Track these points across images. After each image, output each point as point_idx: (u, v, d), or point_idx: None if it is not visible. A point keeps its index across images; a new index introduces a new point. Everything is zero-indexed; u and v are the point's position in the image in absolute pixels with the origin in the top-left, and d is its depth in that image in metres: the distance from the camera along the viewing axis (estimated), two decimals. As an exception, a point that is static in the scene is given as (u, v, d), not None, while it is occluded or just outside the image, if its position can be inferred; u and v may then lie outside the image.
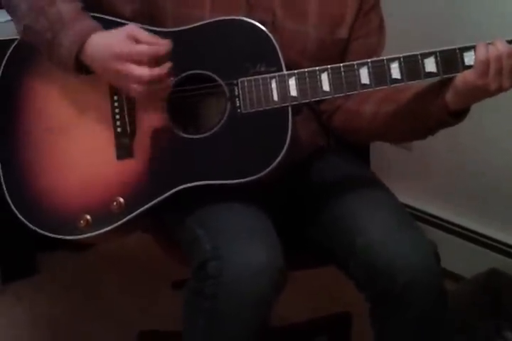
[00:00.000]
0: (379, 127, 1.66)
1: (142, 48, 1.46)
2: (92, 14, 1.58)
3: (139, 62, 1.45)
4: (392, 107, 1.60)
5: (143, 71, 1.45)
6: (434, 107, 1.51)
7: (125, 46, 1.47)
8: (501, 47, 1.40)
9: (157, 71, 1.46)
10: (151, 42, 1.47)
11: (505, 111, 2.33)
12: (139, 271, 2.66)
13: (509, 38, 1.42)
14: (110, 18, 1.60)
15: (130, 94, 1.52)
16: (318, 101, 1.56)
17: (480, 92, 1.43)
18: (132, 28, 1.49)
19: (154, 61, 1.46)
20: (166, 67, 1.47)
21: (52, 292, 2.60)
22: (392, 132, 1.68)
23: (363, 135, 1.74)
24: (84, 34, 1.51)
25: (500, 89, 1.42)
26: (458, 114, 1.51)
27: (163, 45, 1.46)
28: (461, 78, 1.43)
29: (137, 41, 1.47)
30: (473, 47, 1.43)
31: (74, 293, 2.58)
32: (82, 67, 1.54)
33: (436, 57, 1.43)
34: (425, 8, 2.45)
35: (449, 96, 1.47)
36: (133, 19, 1.61)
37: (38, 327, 2.42)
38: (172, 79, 1.51)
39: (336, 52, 1.64)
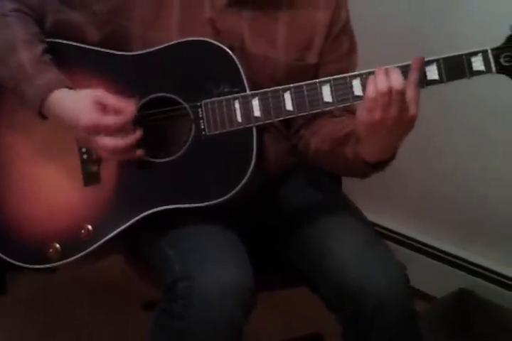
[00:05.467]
0: (321, 163, 1.64)
1: (109, 121, 1.46)
2: (59, 41, 1.57)
3: (105, 133, 1.46)
4: (328, 147, 1.56)
5: (109, 142, 1.46)
6: (351, 155, 1.48)
7: (92, 117, 1.46)
8: (380, 84, 1.34)
9: (122, 143, 1.47)
10: (117, 109, 1.46)
11: (473, 128, 2.32)
12: (110, 292, 2.62)
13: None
14: (77, 44, 1.57)
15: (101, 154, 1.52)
16: (288, 121, 1.54)
17: (374, 129, 1.37)
18: (99, 95, 1.48)
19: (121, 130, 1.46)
20: (133, 138, 1.47)
21: (22, 313, 2.54)
22: (333, 170, 1.65)
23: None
24: (45, 92, 1.49)
25: (385, 119, 1.34)
26: (380, 163, 1.47)
27: (130, 113, 1.46)
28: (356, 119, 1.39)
29: (104, 108, 1.46)
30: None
31: (43, 314, 2.53)
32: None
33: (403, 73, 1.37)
34: (400, 22, 2.42)
35: (360, 143, 1.44)
36: (101, 44, 1.57)
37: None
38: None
39: (305, 77, 1.57)
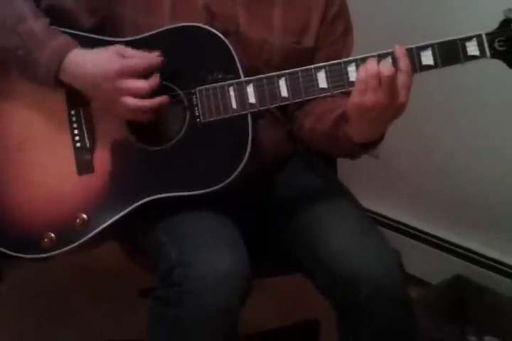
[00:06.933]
0: (315, 143, 1.63)
1: (135, 61, 1.44)
2: (53, 27, 1.54)
3: (132, 77, 1.44)
4: (321, 127, 1.56)
5: (142, 84, 1.44)
6: (341, 134, 1.48)
7: (116, 62, 1.44)
8: (370, 66, 1.35)
9: (154, 81, 1.45)
10: (140, 56, 1.46)
11: (472, 118, 2.31)
12: (107, 279, 2.61)
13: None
14: (69, 30, 1.54)
15: (122, 109, 1.46)
16: (284, 107, 1.52)
17: (363, 112, 1.37)
18: (118, 47, 1.47)
19: (146, 74, 1.45)
20: (158, 77, 1.46)
21: (18, 301, 2.53)
22: (326, 150, 1.65)
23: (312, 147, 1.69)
24: (62, 52, 1.47)
25: (376, 104, 1.35)
26: (368, 144, 1.47)
27: (154, 57, 1.45)
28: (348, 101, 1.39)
29: (125, 57, 1.45)
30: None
31: (40, 303, 2.52)
32: (58, 83, 1.50)
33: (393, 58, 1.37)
34: (395, 9, 2.42)
35: (349, 124, 1.44)
36: (93, 30, 1.56)
37: (3, 338, 2.34)
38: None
39: (302, 61, 1.55)
